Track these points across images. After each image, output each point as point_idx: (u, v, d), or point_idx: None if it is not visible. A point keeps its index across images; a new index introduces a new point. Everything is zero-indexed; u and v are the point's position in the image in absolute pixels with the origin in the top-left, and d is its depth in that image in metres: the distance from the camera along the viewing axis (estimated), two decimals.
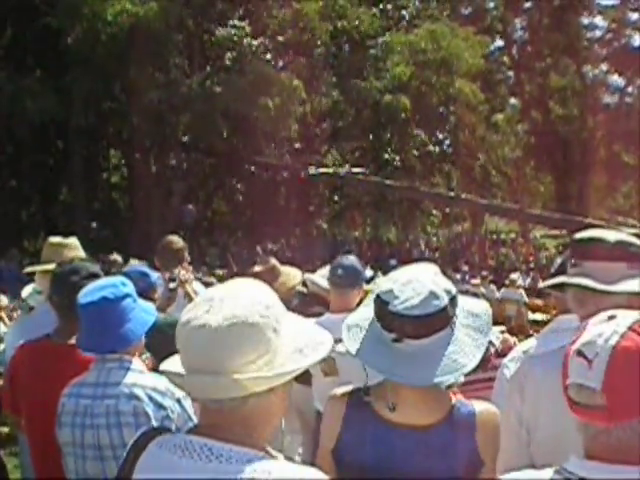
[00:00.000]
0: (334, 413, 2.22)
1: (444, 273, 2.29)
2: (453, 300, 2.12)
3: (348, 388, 2.26)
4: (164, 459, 1.51)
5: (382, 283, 2.21)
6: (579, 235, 2.48)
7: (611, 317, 1.63)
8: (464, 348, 2.10)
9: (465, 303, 2.23)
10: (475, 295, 4.85)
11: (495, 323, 7.73)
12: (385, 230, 34.50)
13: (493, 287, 19.75)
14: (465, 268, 25.76)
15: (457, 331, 2.13)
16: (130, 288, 2.90)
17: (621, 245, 2.39)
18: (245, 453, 1.47)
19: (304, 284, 8.52)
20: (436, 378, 2.05)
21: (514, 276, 20.00)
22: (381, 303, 2.12)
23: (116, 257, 9.94)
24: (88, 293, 2.84)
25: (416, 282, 2.11)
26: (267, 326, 1.52)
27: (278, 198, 29.13)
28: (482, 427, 2.14)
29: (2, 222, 22.13)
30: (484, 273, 21.87)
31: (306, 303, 5.40)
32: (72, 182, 23.46)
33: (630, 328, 1.57)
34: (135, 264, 4.60)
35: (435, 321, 2.07)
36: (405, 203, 29.30)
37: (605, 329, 1.59)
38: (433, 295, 2.07)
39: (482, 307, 2.25)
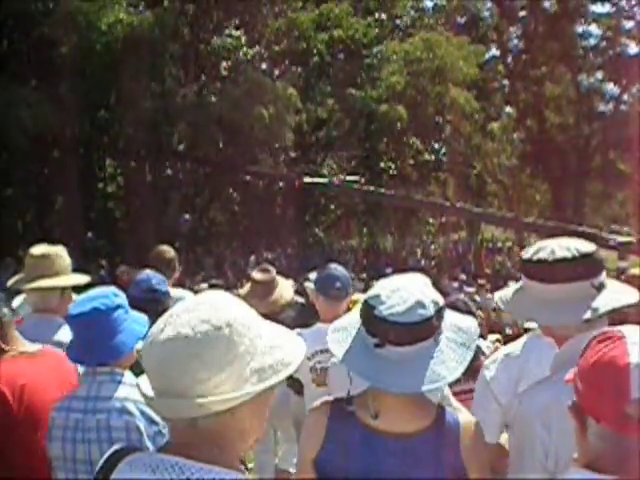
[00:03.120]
0: (316, 424, 2.22)
1: (438, 282, 2.28)
2: (439, 312, 2.14)
3: (329, 398, 2.27)
4: (135, 476, 1.48)
5: (370, 290, 2.23)
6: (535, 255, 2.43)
7: None
8: (446, 360, 2.10)
9: (452, 317, 2.23)
10: (464, 306, 4.82)
11: (491, 332, 7.70)
12: (381, 239, 34.48)
13: (489, 296, 19.71)
14: (462, 276, 25.72)
15: (441, 343, 2.13)
16: (122, 299, 2.87)
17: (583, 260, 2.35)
18: (216, 472, 1.43)
19: (299, 293, 8.49)
20: (422, 386, 2.05)
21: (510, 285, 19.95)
22: (367, 307, 2.14)
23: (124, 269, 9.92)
24: (79, 304, 2.81)
25: (404, 290, 2.13)
26: (223, 340, 1.46)
27: (274, 207, 29.15)
28: (467, 436, 2.15)
29: None
30: (481, 282, 21.80)
31: (305, 313, 5.38)
32: (68, 192, 23.37)
33: None
34: (150, 272, 4.56)
35: (419, 330, 2.08)
36: (401, 212, 29.31)
37: None
38: (419, 304, 2.09)
39: (468, 323, 2.25)
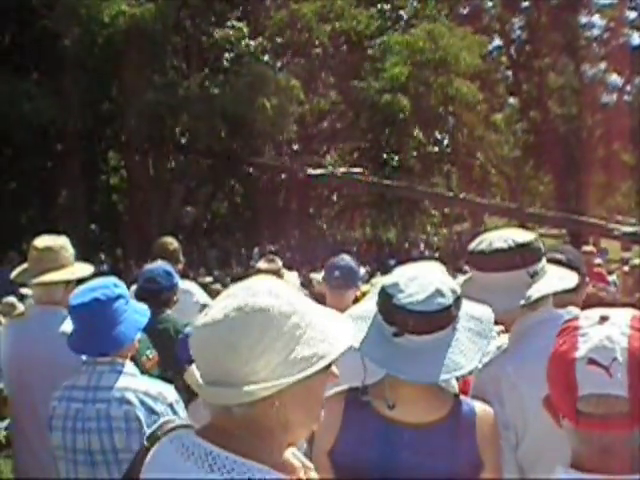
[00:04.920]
0: (331, 414, 2.15)
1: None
2: (458, 300, 2.13)
3: (344, 388, 2.24)
4: (170, 457, 1.45)
5: (387, 277, 2.21)
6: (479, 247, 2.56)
7: (604, 318, 1.53)
8: (463, 350, 2.09)
9: (468, 306, 2.21)
10: None
11: (495, 322, 7.72)
12: (385, 230, 34.47)
13: None
14: (465, 268, 25.70)
15: (458, 332, 2.12)
16: (123, 289, 2.87)
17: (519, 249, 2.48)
18: (249, 467, 1.39)
19: (304, 285, 8.53)
20: (440, 376, 2.05)
21: None
22: (385, 296, 2.11)
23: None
24: (79, 294, 2.81)
25: (423, 278, 2.11)
26: (256, 327, 1.41)
27: (277, 199, 29.14)
28: (482, 427, 2.14)
29: (1, 225, 22.10)
30: None
31: None
32: (71, 185, 23.41)
33: (630, 326, 1.50)
34: (160, 262, 4.58)
35: (438, 319, 2.06)
36: (404, 203, 29.26)
37: (609, 332, 1.49)
38: (439, 293, 2.07)
39: (484, 311, 2.24)
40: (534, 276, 2.47)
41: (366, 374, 2.17)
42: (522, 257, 2.47)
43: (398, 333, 2.07)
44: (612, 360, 1.45)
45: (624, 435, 1.46)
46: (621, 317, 1.53)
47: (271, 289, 1.48)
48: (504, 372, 2.45)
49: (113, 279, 2.92)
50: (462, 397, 2.24)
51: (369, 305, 2.23)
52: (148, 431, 1.58)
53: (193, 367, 1.47)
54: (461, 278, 2.73)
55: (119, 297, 2.82)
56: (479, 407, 2.18)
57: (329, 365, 1.49)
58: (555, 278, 2.54)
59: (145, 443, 1.54)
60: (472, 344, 2.11)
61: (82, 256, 4.32)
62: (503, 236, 2.52)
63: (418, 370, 2.04)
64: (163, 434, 1.52)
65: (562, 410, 1.52)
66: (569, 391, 1.48)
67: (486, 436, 2.13)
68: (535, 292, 2.45)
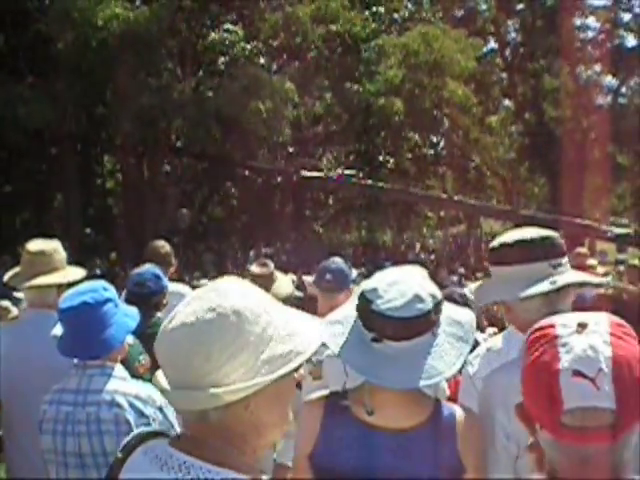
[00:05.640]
0: (311, 418, 2.18)
1: (437, 275, 2.28)
2: (438, 305, 2.10)
3: (325, 392, 2.23)
4: (144, 468, 1.44)
5: (367, 282, 2.18)
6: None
7: (582, 325, 1.46)
8: (444, 355, 2.06)
9: (450, 311, 2.20)
10: (461, 298, 4.90)
11: (490, 325, 7.69)
12: (380, 233, 34.53)
13: None
14: (461, 270, 25.73)
15: (439, 337, 2.09)
16: (112, 293, 2.87)
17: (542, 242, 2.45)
18: (223, 476, 1.37)
19: (299, 288, 8.52)
20: (419, 382, 2.01)
21: None
22: (364, 301, 2.09)
23: None
24: (68, 298, 2.81)
25: (402, 284, 2.08)
26: (230, 329, 1.40)
27: (272, 202, 29.14)
28: (463, 431, 2.12)
29: None
30: (479, 275, 21.83)
31: (303, 307, 5.42)
32: (66, 188, 23.40)
33: (611, 334, 1.43)
34: (149, 266, 4.58)
35: (417, 324, 2.04)
36: (400, 206, 29.31)
37: (592, 341, 1.42)
38: (418, 298, 2.05)
39: (467, 316, 2.22)
40: (557, 267, 2.43)
41: (348, 378, 2.15)
42: (544, 249, 2.43)
43: (377, 339, 2.05)
44: (598, 371, 1.39)
45: (608, 446, 1.40)
46: (600, 324, 1.47)
47: (241, 290, 1.48)
48: (514, 383, 2.36)
49: (102, 283, 2.92)
50: (443, 402, 2.22)
51: (350, 310, 2.20)
52: (122, 442, 1.56)
53: (159, 373, 1.46)
54: (476, 284, 2.70)
55: (108, 300, 2.82)
56: (460, 411, 2.17)
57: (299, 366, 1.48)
58: (580, 274, 2.52)
59: (119, 454, 1.51)
60: (453, 349, 2.09)
61: (77, 260, 4.31)
62: (525, 231, 2.51)
63: (396, 376, 2.01)
64: (137, 444, 1.50)
65: (543, 423, 1.45)
66: (552, 404, 1.41)
67: (467, 440, 2.11)
68: (561, 280, 2.39)
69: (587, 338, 1.43)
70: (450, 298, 5.79)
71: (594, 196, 33.22)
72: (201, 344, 1.38)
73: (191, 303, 1.46)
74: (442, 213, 33.37)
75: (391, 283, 2.09)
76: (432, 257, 32.25)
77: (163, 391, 1.45)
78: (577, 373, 1.39)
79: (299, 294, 7.77)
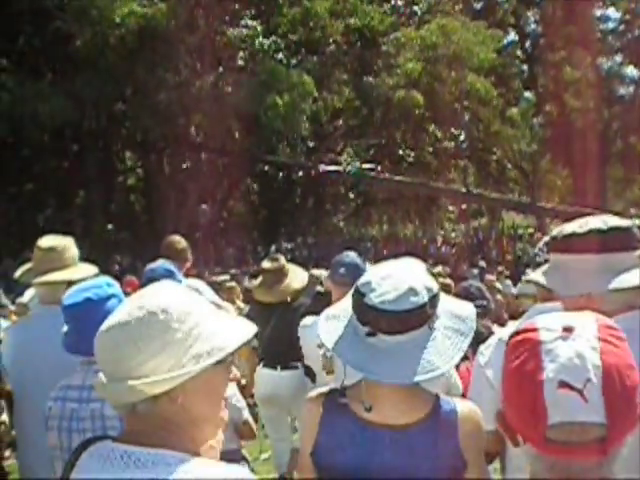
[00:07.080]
0: (311, 415, 2.16)
1: (458, 269, 2.22)
2: (433, 298, 2.05)
3: (324, 389, 2.21)
4: (89, 468, 1.49)
5: (362, 276, 2.15)
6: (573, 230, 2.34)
7: (567, 329, 1.34)
8: (441, 350, 2.01)
9: (450, 304, 2.15)
10: (478, 292, 4.87)
11: (511, 318, 7.63)
12: (401, 227, 34.45)
13: (509, 282, 19.60)
14: (481, 263, 25.63)
15: (436, 331, 2.04)
16: (115, 288, 2.87)
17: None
18: (165, 456, 1.43)
19: (321, 283, 8.52)
20: (414, 377, 1.97)
21: (530, 271, 19.78)
22: (358, 295, 2.06)
23: None
24: (72, 294, 2.81)
25: (396, 277, 2.04)
26: (158, 325, 1.48)
27: (293, 197, 29.15)
28: (465, 426, 2.08)
29: (19, 226, 22.27)
30: (500, 268, 21.72)
31: (321, 300, 5.39)
32: (88, 185, 23.58)
33: (599, 338, 1.32)
34: (161, 262, 4.59)
35: (411, 318, 1.99)
36: (421, 199, 29.23)
37: (578, 347, 1.31)
38: (412, 291, 2.00)
39: (467, 310, 2.16)
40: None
41: (346, 375, 2.11)
42: (633, 238, 2.28)
43: (371, 333, 2.01)
44: (586, 381, 1.27)
45: (596, 461, 1.30)
46: (586, 327, 1.35)
47: (172, 293, 1.58)
48: None
49: (106, 278, 2.92)
50: (443, 397, 2.16)
51: (345, 304, 2.16)
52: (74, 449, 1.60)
53: (100, 373, 1.53)
54: (536, 272, 2.54)
55: (112, 296, 2.81)
56: (462, 406, 2.12)
57: (229, 363, 1.58)
58: None
59: (71, 459, 1.56)
60: (451, 343, 2.04)
61: (98, 256, 4.31)
62: (600, 218, 2.33)
63: (391, 371, 1.97)
64: (83, 449, 1.55)
65: (525, 436, 1.34)
66: (536, 418, 1.30)
67: (469, 435, 2.07)
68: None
69: (573, 344, 1.31)
70: (467, 292, 5.78)
71: (617, 187, 33.01)
72: (129, 339, 1.47)
73: (127, 303, 1.56)
74: (463, 206, 33.18)
75: (385, 276, 2.04)
76: (453, 250, 32.10)
77: (95, 386, 1.54)
78: (563, 384, 1.28)
79: (320, 289, 7.78)
